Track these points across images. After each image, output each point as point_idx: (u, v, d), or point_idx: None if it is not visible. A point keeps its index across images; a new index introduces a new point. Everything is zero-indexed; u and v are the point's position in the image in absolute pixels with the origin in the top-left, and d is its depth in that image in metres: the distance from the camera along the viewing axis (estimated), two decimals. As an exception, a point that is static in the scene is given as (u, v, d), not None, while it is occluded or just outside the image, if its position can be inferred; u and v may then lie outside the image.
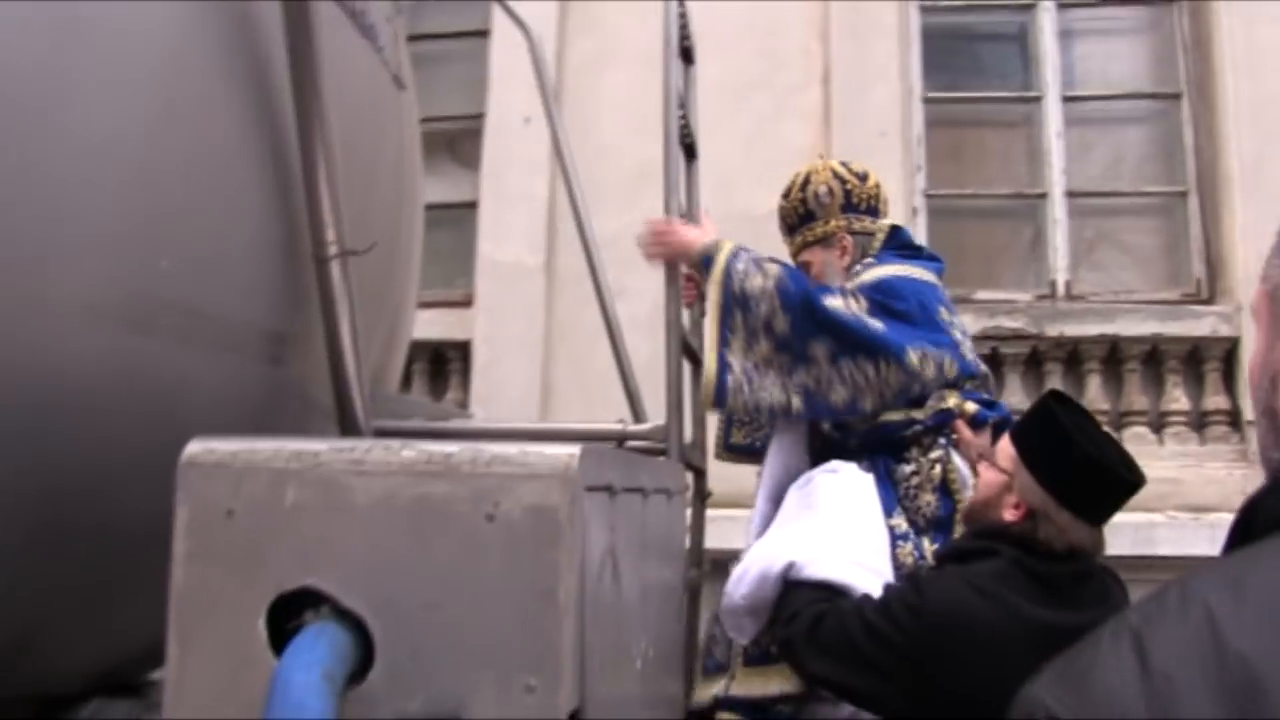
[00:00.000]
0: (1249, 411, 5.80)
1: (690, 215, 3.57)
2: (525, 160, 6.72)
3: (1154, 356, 6.11)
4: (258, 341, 2.51)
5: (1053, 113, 6.54)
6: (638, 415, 3.91)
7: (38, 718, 2.45)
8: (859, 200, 3.36)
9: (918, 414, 3.00)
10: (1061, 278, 6.34)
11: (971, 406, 3.01)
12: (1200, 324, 6.02)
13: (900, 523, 2.90)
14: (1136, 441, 5.63)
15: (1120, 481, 2.42)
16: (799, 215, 3.41)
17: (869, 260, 3.29)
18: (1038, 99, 6.61)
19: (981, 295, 6.23)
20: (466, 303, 6.75)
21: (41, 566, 2.08)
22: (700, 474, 3.39)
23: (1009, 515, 2.46)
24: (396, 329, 3.55)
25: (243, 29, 2.40)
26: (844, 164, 3.42)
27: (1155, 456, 5.71)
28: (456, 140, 7.13)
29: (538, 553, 1.59)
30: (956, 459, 2.96)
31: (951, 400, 2.99)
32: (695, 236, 3.22)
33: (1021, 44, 6.88)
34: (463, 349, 6.69)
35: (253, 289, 2.46)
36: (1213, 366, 6.04)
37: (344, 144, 2.49)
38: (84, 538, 2.14)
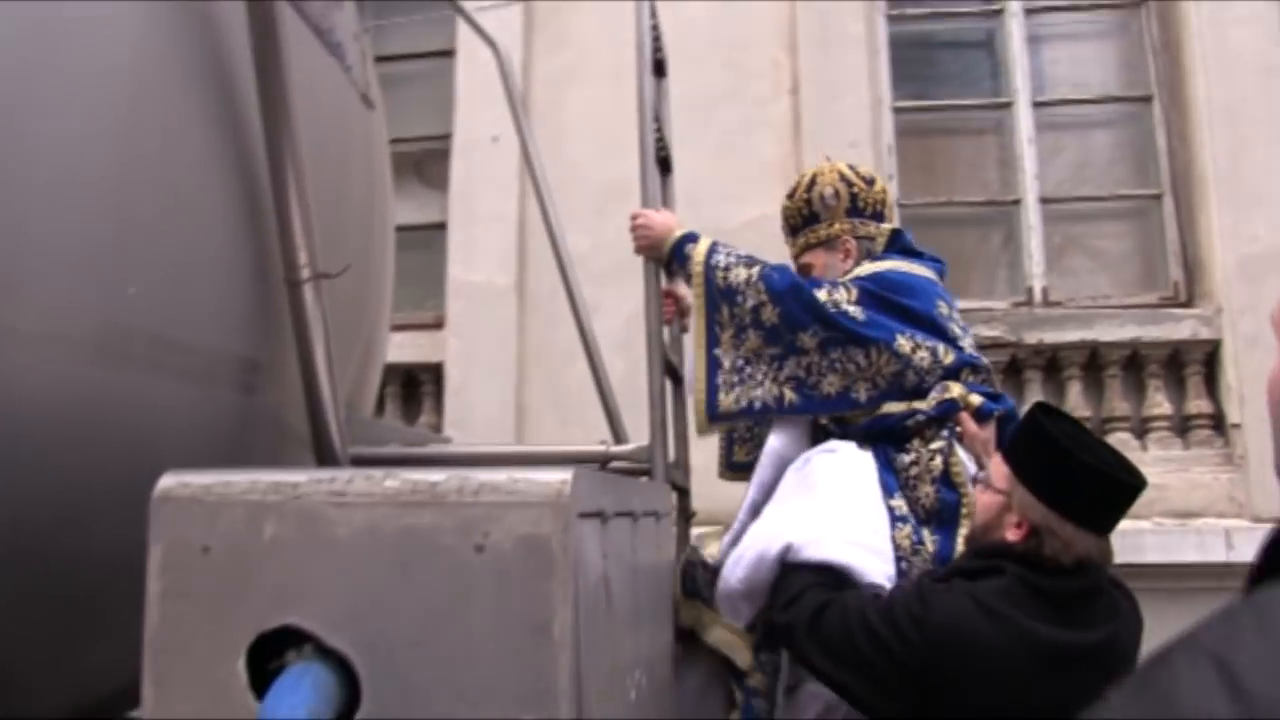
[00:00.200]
0: (1233, 415, 5.84)
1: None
2: (494, 180, 6.66)
3: (1134, 361, 6.08)
4: (230, 369, 2.45)
5: (1024, 118, 6.52)
6: (618, 435, 3.87)
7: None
8: (864, 204, 3.32)
9: (920, 404, 2.95)
10: (1038, 284, 6.32)
11: (976, 399, 2.96)
12: (1180, 327, 6.00)
13: (900, 504, 2.84)
14: (1120, 448, 5.50)
15: (1121, 486, 2.36)
16: (803, 216, 3.38)
17: (864, 261, 3.26)
18: (1008, 105, 6.59)
19: (958, 304, 6.19)
20: (438, 325, 6.68)
21: (8, 603, 2.01)
22: (684, 493, 3.34)
23: (1011, 535, 2.41)
24: (371, 352, 3.49)
25: (209, 46, 2.34)
26: (851, 167, 3.37)
27: (1139, 462, 5.57)
28: (423, 161, 7.07)
29: (530, 584, 1.53)
30: (960, 452, 2.91)
31: (955, 391, 2.94)
32: (672, 226, 3.18)
33: (989, 50, 6.87)
34: (435, 371, 6.62)
35: (224, 314, 2.40)
36: (1194, 370, 6.01)
37: (314, 164, 2.43)
38: (53, 574, 2.06)
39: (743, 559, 2.72)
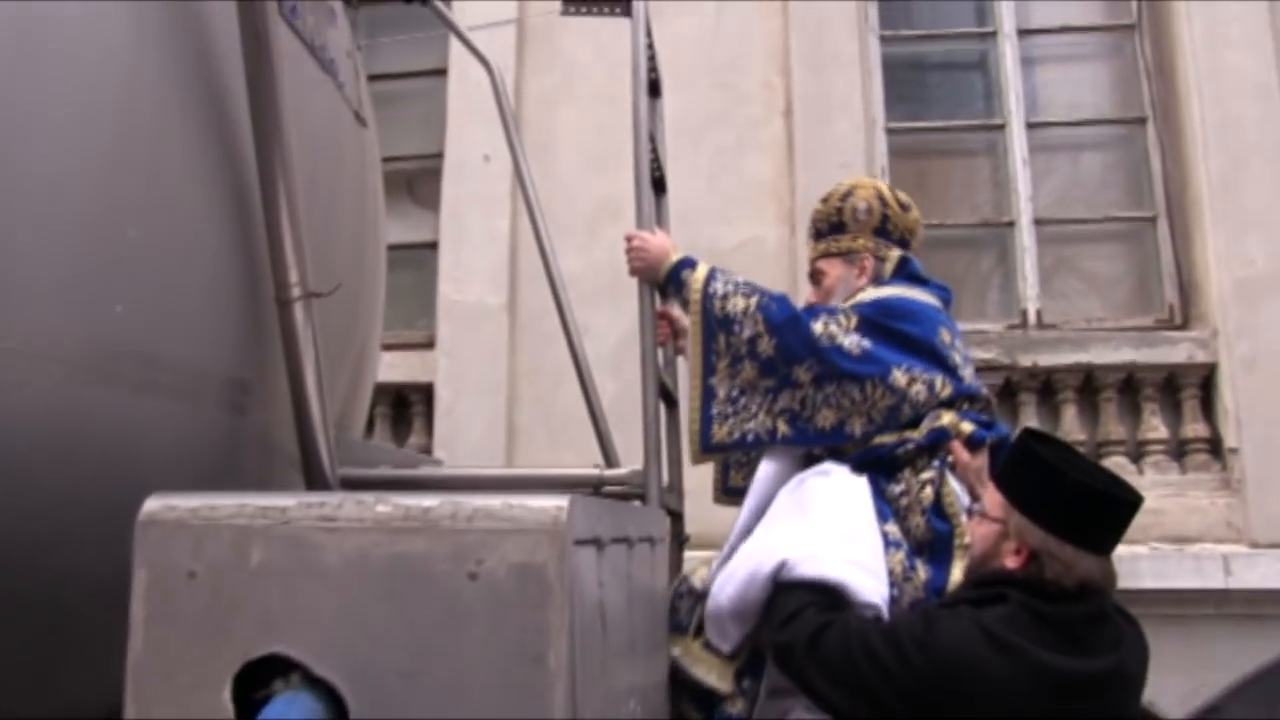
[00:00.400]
0: (1230, 439, 5.81)
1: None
2: (485, 199, 6.64)
3: (1130, 384, 6.06)
4: (218, 389, 2.41)
5: (1017, 140, 6.52)
6: (610, 458, 3.82)
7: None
8: (894, 228, 3.28)
9: (911, 433, 2.91)
10: (1032, 306, 6.30)
11: (967, 426, 2.91)
12: (1176, 350, 5.98)
13: (894, 530, 2.80)
14: (1115, 471, 5.56)
15: (1117, 502, 2.35)
16: (830, 223, 3.33)
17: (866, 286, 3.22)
18: (1001, 127, 6.59)
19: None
20: (428, 344, 6.65)
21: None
22: (678, 518, 3.30)
23: (1011, 562, 2.38)
24: (361, 372, 3.46)
25: (201, 62, 2.31)
26: (891, 189, 3.35)
27: (1135, 486, 5.65)
28: (415, 180, 7.05)
29: (525, 614, 1.49)
30: (952, 481, 2.88)
31: (946, 419, 2.91)
32: (668, 249, 3.14)
33: (983, 72, 6.88)
34: (425, 391, 6.58)
35: (212, 334, 2.36)
36: (1190, 394, 5.99)
37: (305, 182, 2.40)
38: (33, 598, 2.02)
39: (734, 577, 2.68)
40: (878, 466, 2.91)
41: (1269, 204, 5.97)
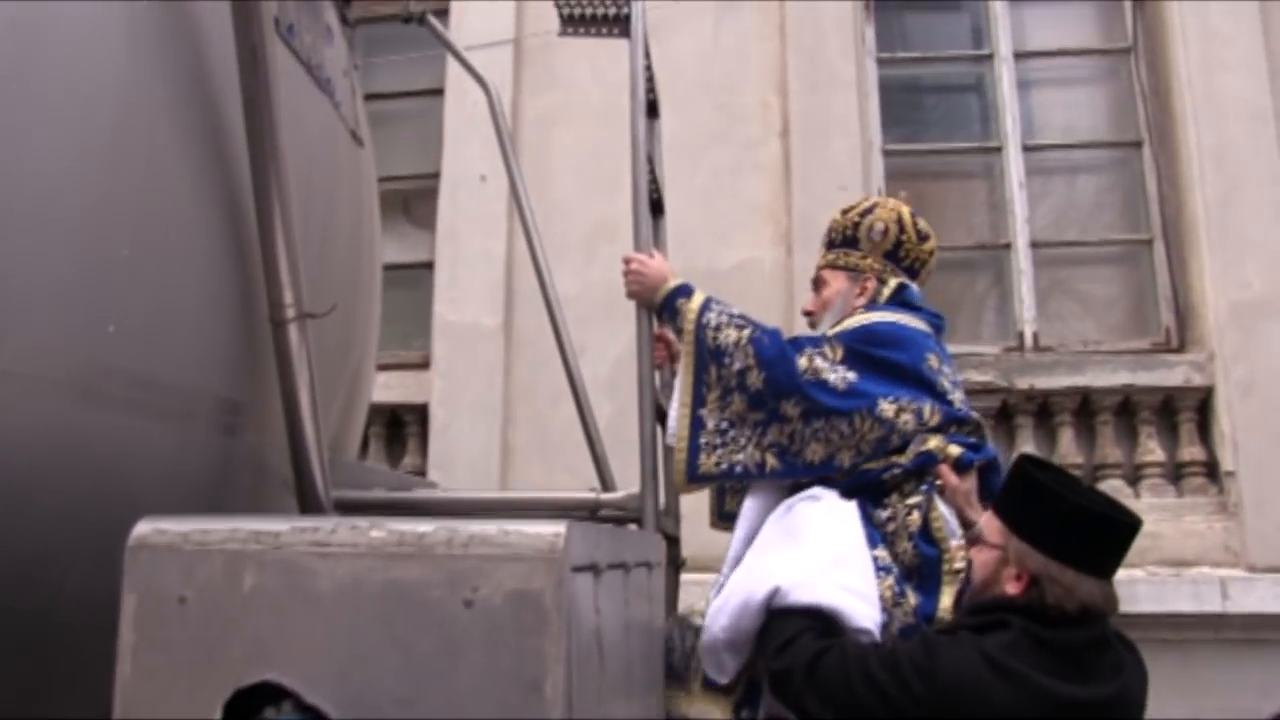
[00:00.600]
0: (1227, 462, 5.80)
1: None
2: (481, 219, 6.64)
3: (1126, 407, 6.06)
4: (211, 410, 2.39)
5: (1014, 162, 6.52)
6: (605, 481, 3.80)
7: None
8: (905, 255, 3.26)
9: (898, 458, 2.89)
10: (1029, 329, 6.30)
11: (955, 450, 2.89)
12: (1173, 373, 5.98)
13: (884, 555, 2.78)
14: (1113, 495, 5.54)
15: (1116, 524, 2.34)
16: (844, 236, 3.30)
17: (858, 309, 3.20)
18: (998, 149, 6.60)
19: (948, 349, 6.17)
20: (423, 365, 6.64)
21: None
22: (674, 541, 3.28)
23: (1011, 588, 2.36)
24: (355, 393, 3.43)
25: (196, 80, 2.29)
26: (914, 214, 3.30)
27: (1132, 510, 5.63)
28: (411, 200, 7.05)
29: (522, 642, 1.47)
30: (941, 506, 2.85)
31: (933, 443, 2.88)
32: (666, 274, 3.13)
33: (979, 95, 6.89)
34: (420, 412, 6.57)
35: (205, 354, 2.34)
36: (1187, 417, 5.99)
37: (301, 201, 2.38)
38: (20, 623, 1.98)
39: (726, 607, 2.66)
40: (865, 491, 2.89)
41: (1265, 227, 5.98)
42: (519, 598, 1.47)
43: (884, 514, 2.85)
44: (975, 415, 3.06)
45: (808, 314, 3.36)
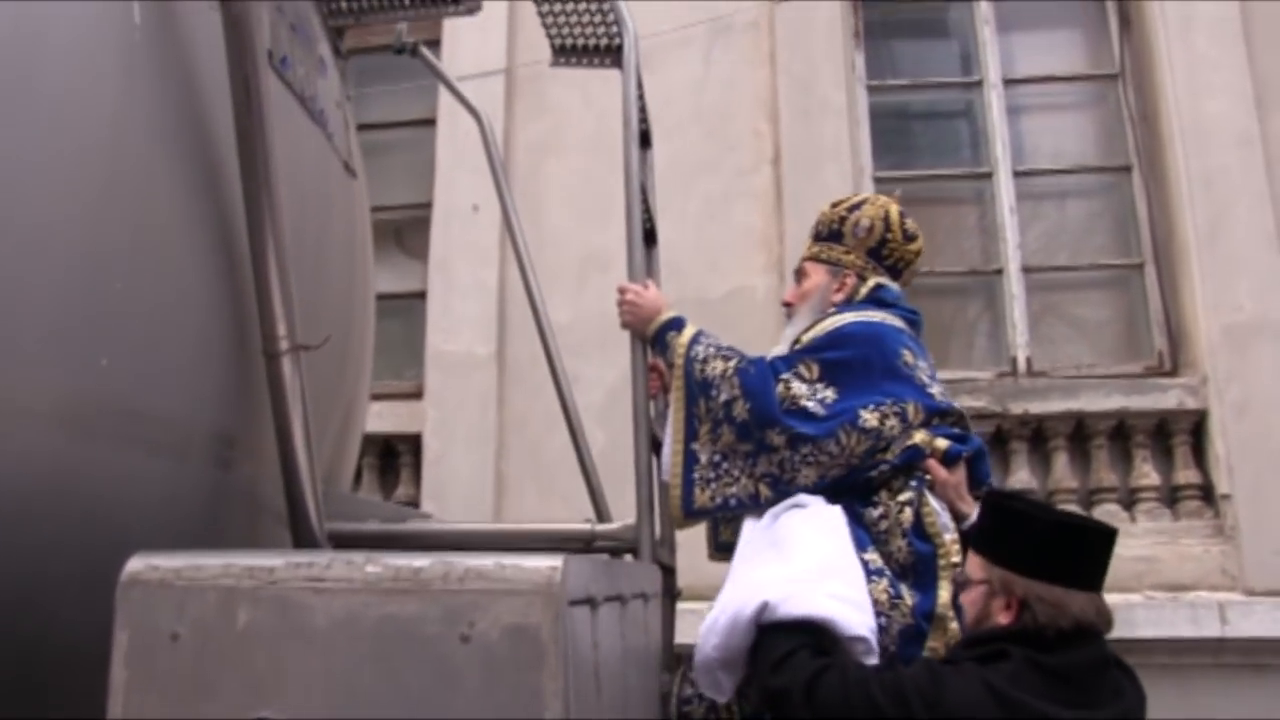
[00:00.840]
0: (1222, 485, 5.78)
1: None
2: (474, 249, 6.64)
3: (1121, 432, 6.05)
4: (204, 443, 2.38)
5: (1004, 188, 6.54)
6: (600, 511, 3.79)
7: None
8: (889, 253, 3.25)
9: (885, 455, 2.88)
10: (1022, 354, 6.30)
11: (942, 443, 2.89)
12: (1166, 397, 5.98)
13: (875, 558, 2.76)
14: (1108, 519, 5.52)
15: (1092, 533, 2.37)
16: (830, 229, 3.29)
17: (832, 310, 3.17)
18: (988, 175, 6.62)
19: (941, 375, 6.16)
20: (416, 395, 6.62)
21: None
22: (669, 572, 3.26)
23: (1003, 618, 2.36)
24: (349, 424, 3.42)
25: (189, 111, 2.28)
26: (902, 214, 3.29)
27: (1128, 534, 5.60)
28: (404, 230, 7.05)
29: (519, 677, 1.46)
30: (932, 501, 2.84)
31: (918, 437, 2.88)
32: (661, 306, 3.13)
33: (969, 121, 6.92)
34: (413, 442, 6.54)
35: (198, 387, 2.33)
36: (1181, 440, 5.98)
37: (294, 232, 2.37)
38: (9, 661, 1.96)
39: (716, 625, 2.61)
40: (852, 491, 2.87)
41: (1255, 250, 5.99)
42: (516, 632, 1.46)
43: (875, 513, 2.84)
44: (956, 405, 3.05)
45: (786, 305, 3.35)
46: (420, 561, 1.53)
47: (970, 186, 6.76)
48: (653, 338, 3.10)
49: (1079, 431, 6.05)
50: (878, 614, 2.63)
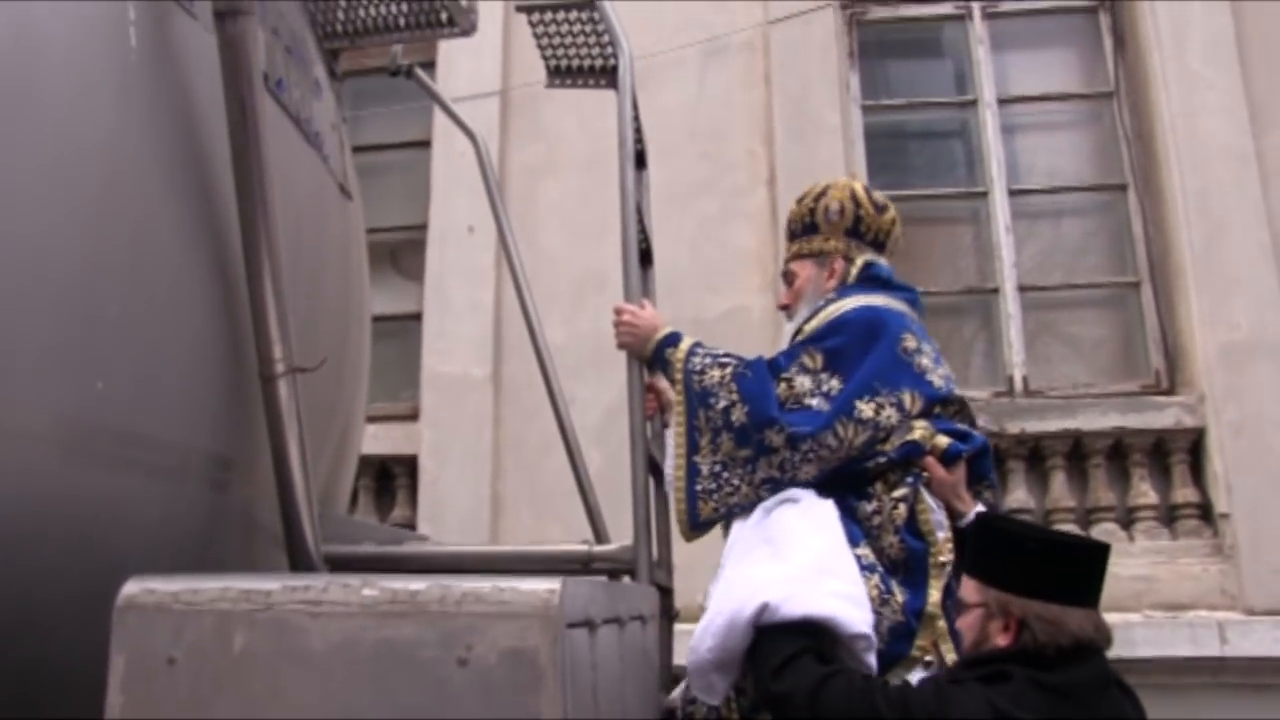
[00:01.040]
0: (1221, 504, 5.78)
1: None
2: (469, 270, 6.65)
3: (1118, 450, 6.05)
4: (200, 466, 2.37)
5: (1000, 207, 6.55)
6: (598, 532, 3.77)
7: None
8: (866, 229, 3.23)
9: (883, 446, 2.86)
10: (1018, 373, 6.30)
11: (943, 440, 2.87)
12: (1163, 415, 5.98)
13: (867, 553, 2.74)
14: (1106, 539, 5.46)
15: (1084, 549, 2.39)
16: (803, 224, 3.29)
17: (831, 295, 3.17)
18: (983, 194, 6.63)
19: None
20: (412, 416, 6.61)
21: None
22: (667, 593, 3.25)
23: (1002, 640, 2.36)
24: (345, 446, 3.41)
25: (185, 133, 2.28)
26: (866, 190, 3.30)
27: (1126, 554, 5.63)
28: (399, 251, 7.05)
29: (517, 700, 1.45)
30: (928, 498, 2.83)
31: (918, 433, 2.86)
32: (658, 325, 3.13)
33: (964, 140, 6.94)
34: (409, 464, 6.53)
35: (194, 410, 2.32)
36: (1179, 459, 5.98)
37: (290, 255, 2.37)
38: (6, 683, 1.95)
39: (712, 626, 2.59)
40: (846, 485, 2.86)
41: (1251, 268, 6.00)
42: (514, 656, 1.45)
43: (869, 507, 2.83)
44: (957, 392, 3.03)
45: (783, 307, 3.35)
46: (417, 584, 1.53)
47: (965, 206, 6.77)
48: (651, 355, 3.09)
49: (1076, 451, 6.05)
50: (870, 610, 2.62)
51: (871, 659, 2.53)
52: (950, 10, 6.97)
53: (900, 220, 3.31)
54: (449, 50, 6.82)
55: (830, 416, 2.83)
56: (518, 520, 6.24)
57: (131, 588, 1.62)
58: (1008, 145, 6.73)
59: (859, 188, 3.28)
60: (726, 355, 3.02)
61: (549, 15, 3.42)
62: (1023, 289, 6.45)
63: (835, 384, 2.89)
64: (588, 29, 3.45)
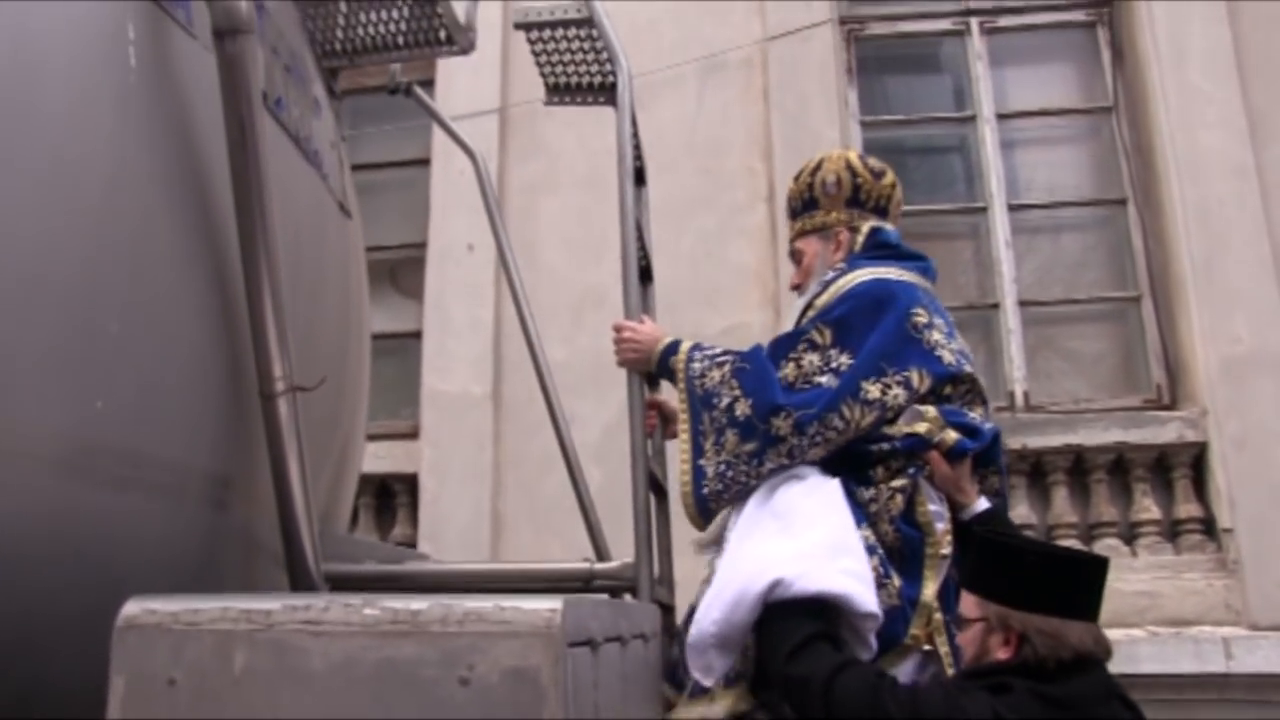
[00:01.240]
0: (1224, 519, 5.76)
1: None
2: (469, 288, 6.64)
3: (1120, 465, 6.03)
4: (199, 485, 2.36)
5: (1000, 222, 6.55)
6: (599, 550, 3.77)
7: None
8: (866, 197, 3.20)
9: (891, 429, 2.82)
10: (1019, 388, 6.29)
11: (951, 436, 2.80)
12: (1165, 430, 5.96)
13: (868, 534, 2.71)
14: (1109, 554, 5.47)
15: (1082, 562, 2.38)
16: (803, 201, 3.26)
17: (841, 266, 3.12)
18: (983, 209, 6.63)
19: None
20: (412, 434, 6.60)
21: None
22: (668, 610, 3.23)
23: (1002, 654, 2.36)
24: (345, 464, 3.40)
25: (184, 152, 2.28)
26: (861, 157, 3.28)
27: (1129, 569, 5.61)
28: (399, 269, 7.05)
29: (519, 720, 1.43)
30: (928, 491, 2.78)
31: (923, 426, 2.79)
32: (660, 337, 3.12)
33: (963, 156, 6.95)
34: (409, 482, 6.52)
35: (194, 429, 2.31)
36: (1181, 473, 5.96)
37: (289, 273, 2.37)
38: (6, 704, 1.94)
39: (719, 599, 2.58)
40: (848, 465, 2.83)
41: (1252, 282, 5.99)
42: (516, 675, 1.44)
43: (867, 494, 2.79)
44: (968, 369, 2.96)
45: (795, 287, 3.32)
46: (418, 604, 1.52)
47: (965, 221, 6.77)
48: (657, 367, 3.08)
49: (1078, 466, 6.03)
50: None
51: (874, 639, 2.52)
52: (948, 26, 6.99)
53: (900, 184, 3.29)
54: (448, 68, 6.83)
55: (836, 397, 2.78)
56: (518, 538, 6.22)
57: (131, 608, 1.61)
58: (1007, 160, 6.73)
59: (853, 156, 3.27)
60: (724, 353, 3.00)
61: (548, 33, 3.42)
62: (1023, 304, 6.45)
63: (845, 359, 2.84)
64: (586, 46, 3.46)
